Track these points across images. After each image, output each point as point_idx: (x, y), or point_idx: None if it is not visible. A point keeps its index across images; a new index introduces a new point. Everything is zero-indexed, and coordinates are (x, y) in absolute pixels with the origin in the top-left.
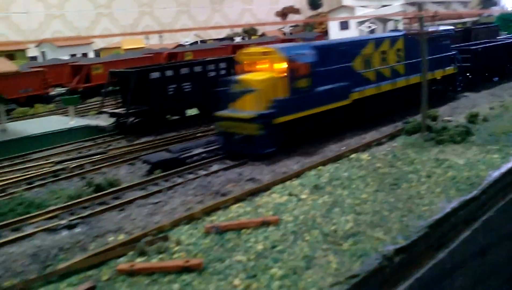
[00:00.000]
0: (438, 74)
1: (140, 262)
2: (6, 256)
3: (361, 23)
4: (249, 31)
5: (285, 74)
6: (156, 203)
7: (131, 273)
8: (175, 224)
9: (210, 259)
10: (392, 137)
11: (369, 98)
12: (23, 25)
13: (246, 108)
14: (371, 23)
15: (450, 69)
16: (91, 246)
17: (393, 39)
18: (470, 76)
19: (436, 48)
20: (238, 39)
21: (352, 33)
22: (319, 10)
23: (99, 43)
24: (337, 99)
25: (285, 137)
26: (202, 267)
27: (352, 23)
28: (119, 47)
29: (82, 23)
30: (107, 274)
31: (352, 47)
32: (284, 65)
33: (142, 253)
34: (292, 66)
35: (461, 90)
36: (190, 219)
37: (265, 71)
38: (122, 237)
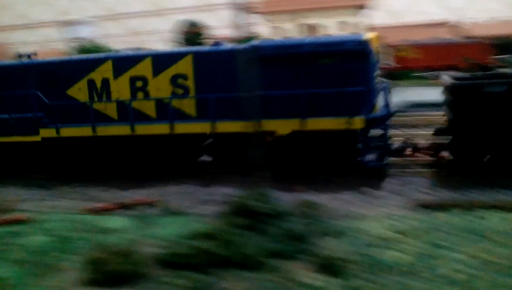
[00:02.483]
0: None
1: None
2: None
3: None
4: None
5: None
6: None
7: None
8: None
9: None
10: None
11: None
12: None
13: None
14: None
15: (328, 122)
16: None
17: (165, 59)
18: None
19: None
20: None
21: None
22: None
23: None
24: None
25: None
26: None
27: None
28: None
29: None
30: None
31: (59, 67)
32: None
33: None
34: None
35: (377, 167)
36: None
37: None
38: None
